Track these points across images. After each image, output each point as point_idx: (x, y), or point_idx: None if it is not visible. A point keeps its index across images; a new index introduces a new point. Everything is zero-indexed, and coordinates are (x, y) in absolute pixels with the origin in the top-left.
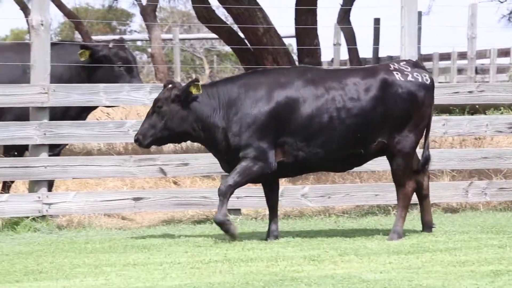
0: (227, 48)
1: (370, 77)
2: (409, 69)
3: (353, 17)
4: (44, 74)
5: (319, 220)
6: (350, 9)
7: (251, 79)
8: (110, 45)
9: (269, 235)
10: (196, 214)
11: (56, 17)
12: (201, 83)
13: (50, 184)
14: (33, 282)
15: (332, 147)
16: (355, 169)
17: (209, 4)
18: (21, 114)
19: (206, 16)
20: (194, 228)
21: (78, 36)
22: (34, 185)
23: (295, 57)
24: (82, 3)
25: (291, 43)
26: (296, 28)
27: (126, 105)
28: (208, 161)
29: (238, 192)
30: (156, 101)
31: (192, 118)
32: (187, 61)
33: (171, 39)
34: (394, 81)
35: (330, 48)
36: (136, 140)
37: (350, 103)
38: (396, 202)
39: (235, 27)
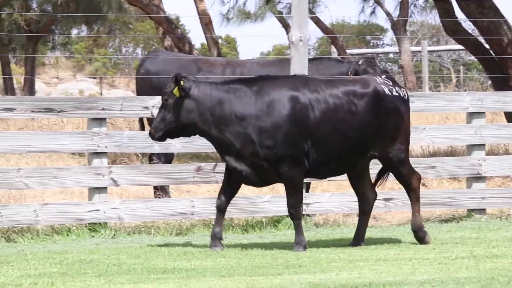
0: (473, 58)
1: (363, 89)
2: (391, 84)
3: None
4: None
5: None
6: None
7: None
8: (360, 61)
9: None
10: (443, 213)
11: (314, 33)
12: (186, 84)
13: (307, 186)
14: (293, 275)
15: (335, 155)
16: None
17: (456, 17)
18: None
19: (453, 28)
20: (441, 226)
21: (334, 51)
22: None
23: None
24: (338, 20)
25: None
26: None
27: None
28: (453, 164)
29: (483, 193)
30: (162, 94)
31: (203, 109)
32: (435, 71)
33: (420, 51)
34: (384, 95)
35: None
36: (149, 134)
37: (350, 115)
38: None
39: (481, 38)
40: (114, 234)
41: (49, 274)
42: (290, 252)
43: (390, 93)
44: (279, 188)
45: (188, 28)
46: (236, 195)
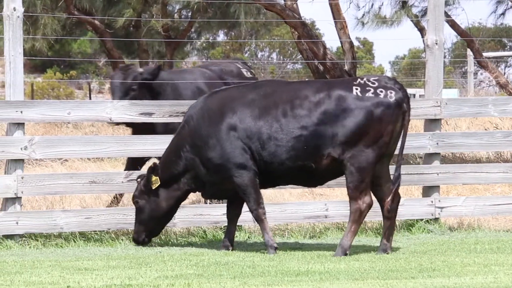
0: None
1: (324, 91)
2: (375, 85)
3: None
4: (437, 89)
5: None
6: None
7: (205, 104)
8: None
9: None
10: None
11: (450, 37)
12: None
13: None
14: (427, 278)
15: (282, 157)
16: None
17: None
18: None
19: None
20: None
21: (470, 54)
22: (427, 190)
23: None
24: (475, 23)
25: None
26: None
27: None
28: None
29: None
30: None
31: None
32: None
33: None
34: (347, 96)
35: None
36: None
37: (295, 117)
38: None
39: None
40: (248, 237)
41: (186, 276)
42: (424, 256)
43: (360, 95)
44: (414, 192)
45: (323, 32)
46: None
